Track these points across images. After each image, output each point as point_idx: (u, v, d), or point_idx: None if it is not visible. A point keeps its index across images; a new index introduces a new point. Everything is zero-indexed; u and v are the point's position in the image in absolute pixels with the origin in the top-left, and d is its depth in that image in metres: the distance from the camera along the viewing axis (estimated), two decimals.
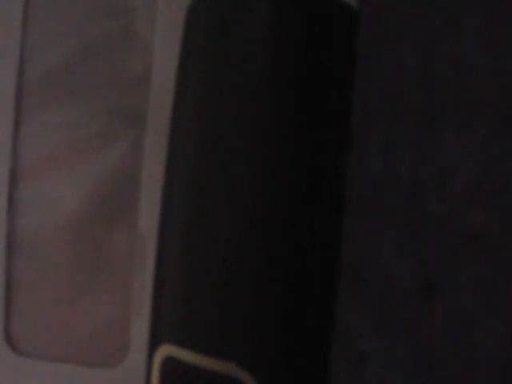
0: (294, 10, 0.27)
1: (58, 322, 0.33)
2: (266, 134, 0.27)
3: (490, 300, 0.25)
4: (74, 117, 0.33)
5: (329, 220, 0.28)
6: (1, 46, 0.33)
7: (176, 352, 0.27)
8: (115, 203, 0.33)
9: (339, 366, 0.27)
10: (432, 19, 0.27)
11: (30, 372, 0.33)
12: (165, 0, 0.33)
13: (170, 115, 0.31)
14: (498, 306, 0.25)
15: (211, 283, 0.27)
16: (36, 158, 0.33)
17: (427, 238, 0.26)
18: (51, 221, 0.33)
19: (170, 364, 0.28)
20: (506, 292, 0.25)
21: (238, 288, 0.27)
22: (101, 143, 0.33)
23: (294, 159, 0.27)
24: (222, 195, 0.27)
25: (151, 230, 0.32)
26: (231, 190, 0.27)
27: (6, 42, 0.33)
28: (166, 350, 0.28)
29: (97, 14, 0.33)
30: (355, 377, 0.27)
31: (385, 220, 0.27)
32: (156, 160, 0.33)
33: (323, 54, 0.28)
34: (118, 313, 0.33)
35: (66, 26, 0.33)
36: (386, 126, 0.27)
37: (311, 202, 0.27)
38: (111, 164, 0.33)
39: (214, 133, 0.27)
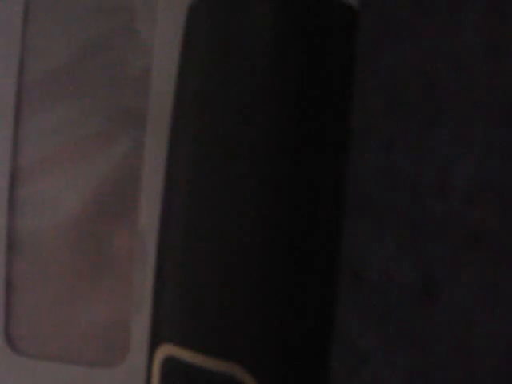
0: (294, 10, 0.27)
1: (58, 322, 0.33)
2: (267, 134, 0.27)
3: (489, 300, 0.25)
4: (74, 117, 0.33)
5: (329, 220, 0.28)
6: (1, 46, 0.33)
7: (176, 352, 0.27)
8: (115, 203, 0.33)
9: (339, 366, 0.27)
10: (432, 19, 0.27)
11: (30, 372, 0.33)
12: (165, 0, 0.33)
13: (170, 115, 0.31)
14: (498, 306, 0.25)
15: (211, 283, 0.27)
16: (36, 157, 0.33)
17: (427, 238, 0.26)
18: (51, 221, 0.33)
19: (170, 364, 0.28)
20: (506, 292, 0.25)
21: (238, 288, 0.27)
22: (101, 143, 0.33)
23: (295, 159, 0.27)
24: (222, 195, 0.27)
25: (151, 229, 0.32)
26: (231, 189, 0.27)
27: (7, 42, 0.33)
28: (166, 350, 0.28)
29: (97, 14, 0.33)
30: (355, 377, 0.27)
31: (385, 220, 0.27)
32: (156, 160, 0.33)
33: (323, 54, 0.28)
34: (118, 313, 0.33)
35: (66, 26, 0.33)
36: (386, 125, 0.27)
37: (311, 202, 0.27)
38: (111, 164, 0.33)
39: (214, 132, 0.27)
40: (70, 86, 0.33)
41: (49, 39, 0.33)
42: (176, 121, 0.29)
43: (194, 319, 0.27)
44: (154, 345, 0.28)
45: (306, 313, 0.27)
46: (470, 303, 0.26)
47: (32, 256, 0.33)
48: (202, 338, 0.27)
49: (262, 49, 0.27)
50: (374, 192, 0.27)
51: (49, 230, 0.33)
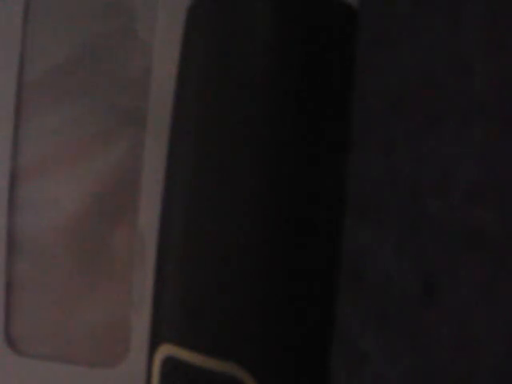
0: (294, 10, 0.27)
1: (58, 322, 0.33)
2: (267, 134, 0.27)
3: (489, 300, 0.25)
4: (73, 117, 0.33)
5: (329, 220, 0.28)
6: (1, 46, 0.33)
7: (176, 352, 0.27)
8: (115, 203, 0.33)
9: (339, 366, 0.27)
10: (432, 19, 0.27)
11: (30, 372, 0.33)
12: (165, 0, 0.33)
13: (170, 115, 0.31)
14: (498, 306, 0.25)
15: (211, 283, 0.27)
16: (36, 157, 0.33)
17: (427, 238, 0.26)
18: (51, 220, 0.33)
19: (170, 364, 0.28)
20: (506, 292, 0.25)
21: (238, 288, 0.27)
22: (101, 143, 0.33)
23: (295, 159, 0.27)
24: (221, 195, 0.27)
25: (151, 229, 0.32)
26: (231, 189, 0.27)
27: (7, 42, 0.33)
28: (166, 350, 0.28)
29: (97, 14, 0.33)
30: (355, 377, 0.27)
31: (385, 220, 0.27)
32: (156, 160, 0.33)
33: (323, 53, 0.28)
34: (118, 313, 0.33)
35: (66, 26, 0.33)
36: (386, 125, 0.27)
37: (311, 202, 0.27)
38: (111, 164, 0.33)
39: (214, 132, 0.27)
40: (70, 85, 0.33)
41: (49, 39, 0.33)
42: (176, 121, 0.29)
43: (194, 319, 0.27)
44: (154, 345, 0.28)
45: (306, 313, 0.27)
46: (470, 303, 0.26)
47: (32, 256, 0.33)
48: (201, 338, 0.27)
49: (262, 49, 0.27)
50: (374, 192, 0.27)
51: (49, 230, 0.33)
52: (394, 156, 0.27)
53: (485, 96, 0.26)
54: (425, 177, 0.27)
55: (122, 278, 0.33)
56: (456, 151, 0.26)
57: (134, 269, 0.33)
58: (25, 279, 0.33)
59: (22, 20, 0.33)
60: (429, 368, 0.26)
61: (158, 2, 0.33)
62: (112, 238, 0.33)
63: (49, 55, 0.33)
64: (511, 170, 0.25)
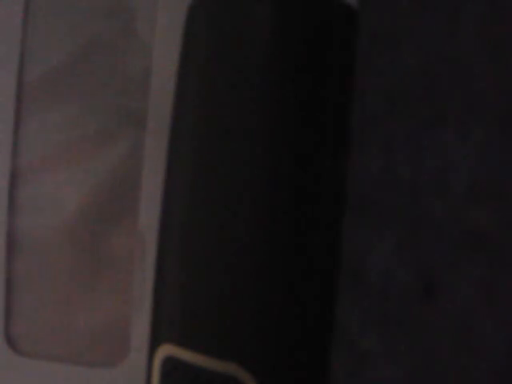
0: (294, 10, 0.27)
1: (58, 321, 0.33)
2: (266, 134, 0.27)
3: (490, 300, 0.25)
4: (73, 117, 0.33)
5: (329, 220, 0.28)
6: (1, 45, 0.33)
7: (176, 352, 0.27)
8: (115, 203, 0.33)
9: (339, 365, 0.27)
10: (432, 19, 0.27)
11: (30, 372, 0.33)
12: (165, 0, 0.33)
13: (170, 115, 0.31)
14: (498, 306, 0.25)
15: (211, 283, 0.27)
16: (36, 157, 0.33)
17: (427, 238, 0.26)
18: (51, 221, 0.33)
19: (170, 364, 0.28)
20: (506, 292, 0.25)
21: (238, 288, 0.27)
22: (101, 143, 0.33)
23: (295, 159, 0.27)
24: (221, 195, 0.27)
25: (151, 230, 0.32)
26: (231, 189, 0.27)
27: (7, 41, 0.33)
28: (166, 350, 0.28)
29: (97, 14, 0.33)
30: (355, 377, 0.27)
31: (385, 220, 0.27)
32: (156, 160, 0.33)
33: (323, 54, 0.28)
34: (118, 313, 0.33)
35: (66, 26, 0.33)
36: (386, 125, 0.27)
37: (311, 201, 0.27)
38: (111, 164, 0.33)
39: (214, 133, 0.27)
40: (70, 85, 0.33)
41: (49, 39, 0.33)
42: (176, 121, 0.29)
43: (194, 319, 0.27)
44: (153, 345, 0.28)
45: (306, 313, 0.27)
46: (470, 303, 0.26)
47: (32, 256, 0.33)
48: (202, 338, 0.27)
49: (262, 49, 0.27)
50: (374, 192, 0.27)
51: (49, 230, 0.33)
52: (393, 156, 0.27)
53: (485, 96, 0.26)
54: (425, 177, 0.27)
55: (122, 278, 0.33)
56: (456, 151, 0.26)
57: (134, 269, 0.33)
58: (25, 279, 0.33)
59: (21, 20, 0.33)
60: (429, 368, 0.26)
61: (157, 2, 0.33)
62: (112, 238, 0.33)
63: (49, 55, 0.33)
64: (511, 170, 0.25)
